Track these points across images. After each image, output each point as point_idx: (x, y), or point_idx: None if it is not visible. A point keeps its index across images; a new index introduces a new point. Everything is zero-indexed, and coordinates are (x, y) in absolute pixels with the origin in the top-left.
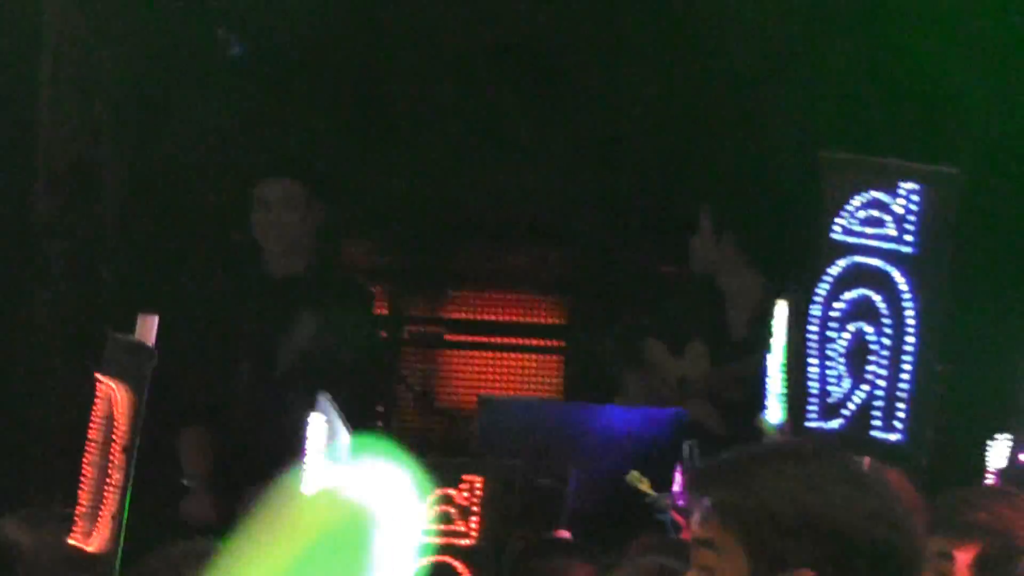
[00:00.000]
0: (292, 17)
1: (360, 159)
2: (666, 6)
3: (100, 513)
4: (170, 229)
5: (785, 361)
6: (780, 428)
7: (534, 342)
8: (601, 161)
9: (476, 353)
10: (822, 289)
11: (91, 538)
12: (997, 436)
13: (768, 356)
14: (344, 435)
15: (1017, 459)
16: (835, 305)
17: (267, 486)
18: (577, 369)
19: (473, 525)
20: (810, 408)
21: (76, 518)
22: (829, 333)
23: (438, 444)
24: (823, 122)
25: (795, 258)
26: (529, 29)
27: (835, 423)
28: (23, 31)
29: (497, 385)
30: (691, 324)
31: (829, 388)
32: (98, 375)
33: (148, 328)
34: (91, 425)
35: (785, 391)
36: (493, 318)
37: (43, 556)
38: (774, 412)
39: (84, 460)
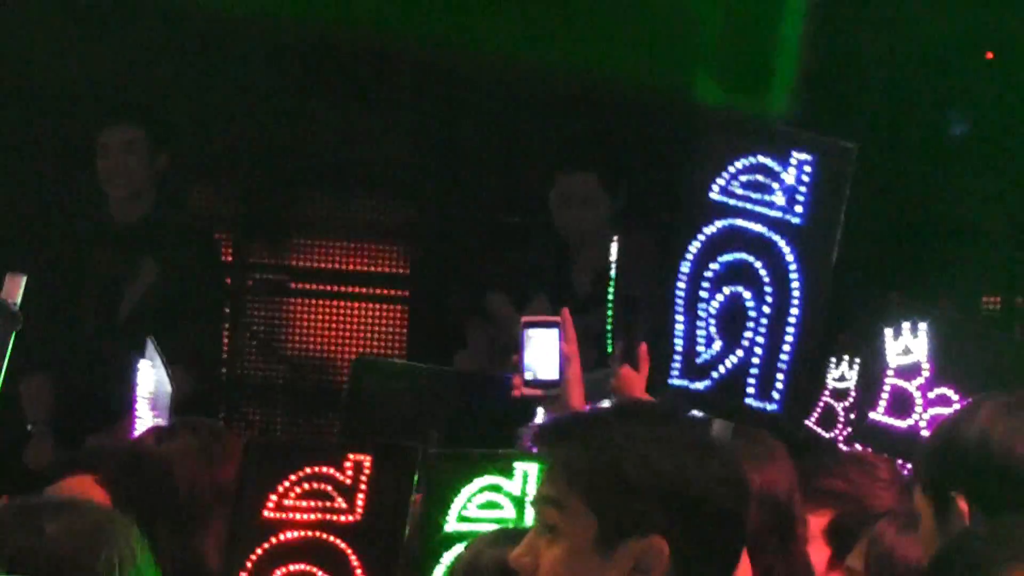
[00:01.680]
0: None
1: (204, 105)
2: None
3: None
4: (14, 175)
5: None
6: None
7: (378, 291)
8: (447, 109)
9: (320, 302)
10: (694, 247)
11: None
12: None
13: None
14: (166, 384)
15: (866, 417)
16: (710, 266)
17: (108, 432)
18: (421, 319)
19: (360, 502)
20: (673, 366)
21: None
22: (701, 293)
23: (281, 392)
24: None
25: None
26: None
27: (700, 384)
28: None
29: (342, 334)
30: (535, 278)
31: (697, 348)
32: None
33: (14, 288)
34: None
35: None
36: (338, 267)
37: None
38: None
39: None
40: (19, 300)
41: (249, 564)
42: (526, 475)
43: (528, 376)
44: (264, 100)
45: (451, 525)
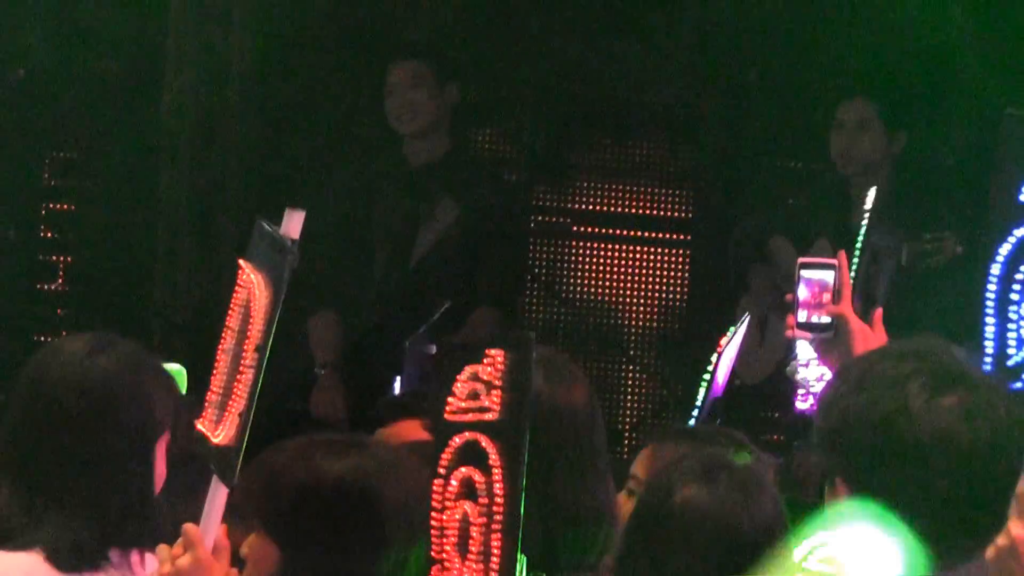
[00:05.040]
0: None
1: (488, 47)
2: None
3: (228, 407)
4: (307, 116)
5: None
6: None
7: (661, 235)
8: (731, 54)
9: (603, 245)
10: (1004, 250)
11: (217, 429)
12: None
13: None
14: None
15: None
16: (1021, 268)
17: (395, 380)
18: (703, 264)
19: (495, 399)
20: (983, 368)
21: (206, 403)
22: (1012, 295)
23: (562, 335)
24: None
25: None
26: None
27: (1016, 386)
28: None
29: (624, 278)
30: (817, 222)
31: (1008, 351)
32: (241, 261)
33: (294, 223)
34: (230, 311)
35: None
36: (620, 210)
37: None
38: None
39: (220, 345)
40: (297, 236)
41: (441, 469)
42: None
43: (801, 318)
44: (549, 43)
45: None
